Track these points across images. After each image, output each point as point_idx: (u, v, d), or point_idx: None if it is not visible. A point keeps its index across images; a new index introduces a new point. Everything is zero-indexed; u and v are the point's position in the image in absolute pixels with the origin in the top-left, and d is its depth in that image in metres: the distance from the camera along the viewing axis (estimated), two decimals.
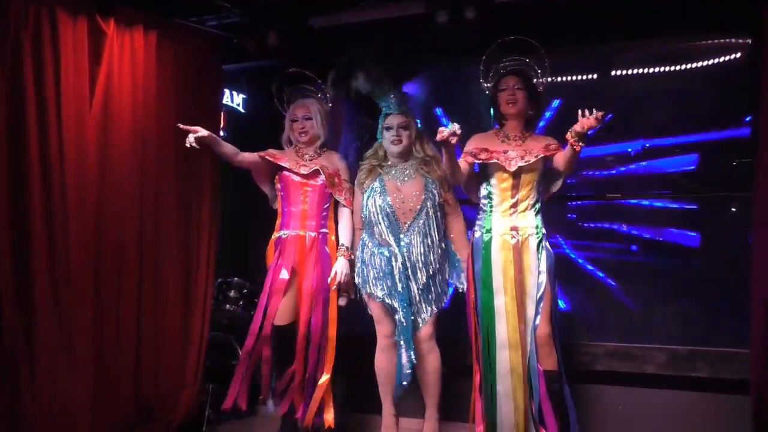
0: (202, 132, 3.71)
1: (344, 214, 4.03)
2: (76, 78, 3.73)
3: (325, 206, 4.02)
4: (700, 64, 4.39)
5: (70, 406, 3.63)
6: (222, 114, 4.83)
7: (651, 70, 4.77)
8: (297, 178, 4.00)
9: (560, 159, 3.59)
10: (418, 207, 3.76)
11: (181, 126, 3.72)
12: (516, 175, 3.62)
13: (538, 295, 3.56)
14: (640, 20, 4.02)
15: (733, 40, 4.23)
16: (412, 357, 3.68)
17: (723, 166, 4.48)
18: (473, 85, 3.93)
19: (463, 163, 3.68)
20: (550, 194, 3.82)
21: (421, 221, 3.76)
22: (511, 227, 3.64)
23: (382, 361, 3.84)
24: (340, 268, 3.91)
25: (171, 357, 4.28)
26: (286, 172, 4.02)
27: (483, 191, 3.76)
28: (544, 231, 3.68)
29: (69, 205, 3.69)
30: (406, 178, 3.82)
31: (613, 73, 4.92)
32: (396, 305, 3.73)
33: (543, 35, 3.89)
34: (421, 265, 3.75)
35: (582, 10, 4.01)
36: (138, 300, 4.13)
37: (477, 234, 3.73)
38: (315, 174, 4.00)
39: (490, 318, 3.62)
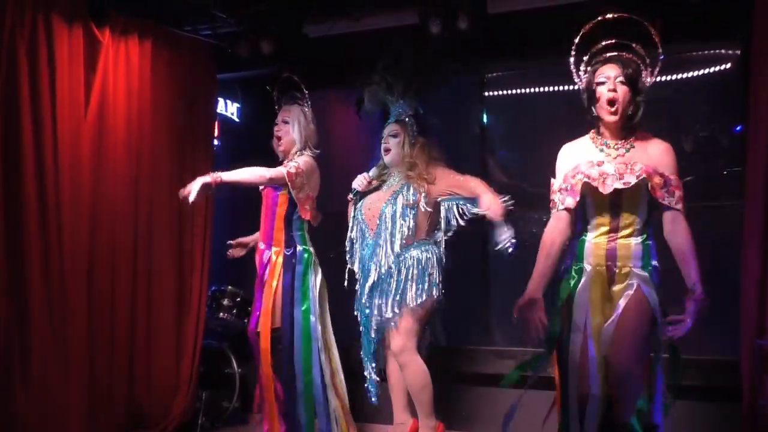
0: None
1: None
2: (71, 85, 3.75)
3: (274, 217, 3.78)
4: (690, 74, 4.42)
5: (64, 411, 3.63)
6: (216, 123, 4.85)
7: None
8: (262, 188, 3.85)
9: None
10: (378, 213, 3.65)
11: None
12: (616, 192, 2.87)
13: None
14: (632, 31, 4.05)
15: (723, 50, 4.27)
16: (371, 372, 3.72)
17: (713, 174, 4.49)
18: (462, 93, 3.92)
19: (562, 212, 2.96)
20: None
21: (380, 226, 3.63)
22: (608, 256, 2.91)
23: (387, 370, 3.81)
24: (192, 185, 3.41)
25: (164, 363, 4.29)
26: None
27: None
28: (654, 263, 2.92)
29: (63, 211, 3.69)
30: (389, 185, 3.74)
31: None
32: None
33: (536, 46, 3.93)
34: (370, 270, 3.63)
35: (574, 22, 4.04)
36: (132, 307, 4.14)
37: (567, 263, 3.03)
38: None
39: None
